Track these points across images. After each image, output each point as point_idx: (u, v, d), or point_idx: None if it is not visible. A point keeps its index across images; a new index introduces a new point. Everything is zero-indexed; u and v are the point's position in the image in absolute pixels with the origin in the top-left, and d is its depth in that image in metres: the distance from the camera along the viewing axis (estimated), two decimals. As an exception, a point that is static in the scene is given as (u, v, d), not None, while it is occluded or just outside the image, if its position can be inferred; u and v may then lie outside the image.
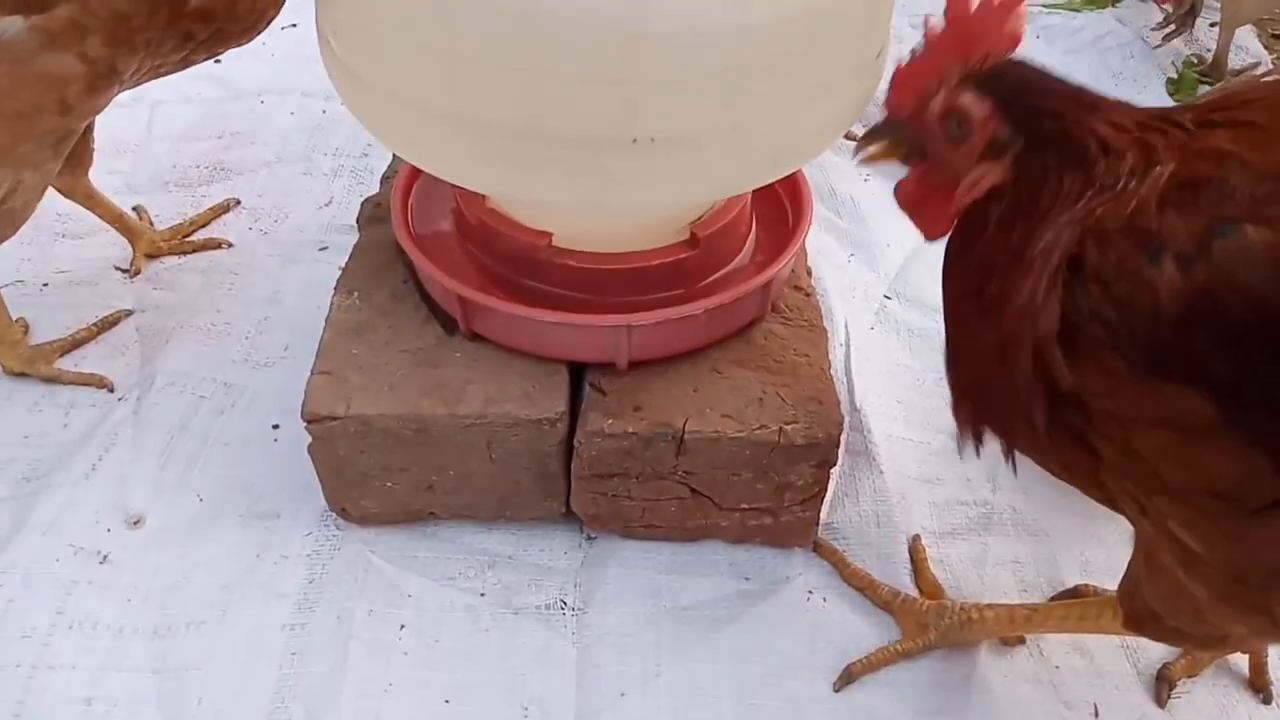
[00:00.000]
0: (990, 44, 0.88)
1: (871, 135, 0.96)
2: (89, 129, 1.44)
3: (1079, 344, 0.81)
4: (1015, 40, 0.89)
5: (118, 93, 1.31)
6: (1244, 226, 0.73)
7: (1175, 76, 2.23)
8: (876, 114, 2.14)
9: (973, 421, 0.94)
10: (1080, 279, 0.80)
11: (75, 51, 1.17)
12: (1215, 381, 0.76)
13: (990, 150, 0.88)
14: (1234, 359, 0.75)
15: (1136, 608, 0.96)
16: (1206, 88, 2.20)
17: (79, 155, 1.47)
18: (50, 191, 1.50)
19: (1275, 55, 2.37)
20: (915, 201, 0.96)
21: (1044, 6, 2.45)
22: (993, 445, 0.94)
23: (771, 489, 1.18)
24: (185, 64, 1.34)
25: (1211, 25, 2.40)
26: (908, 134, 0.93)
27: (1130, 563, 0.96)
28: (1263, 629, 0.90)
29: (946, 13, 0.89)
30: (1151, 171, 0.80)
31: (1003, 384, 0.87)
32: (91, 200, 1.57)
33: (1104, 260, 0.79)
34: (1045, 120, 0.85)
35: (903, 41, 2.39)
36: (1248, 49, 2.31)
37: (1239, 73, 2.24)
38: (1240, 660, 1.18)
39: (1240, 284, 0.73)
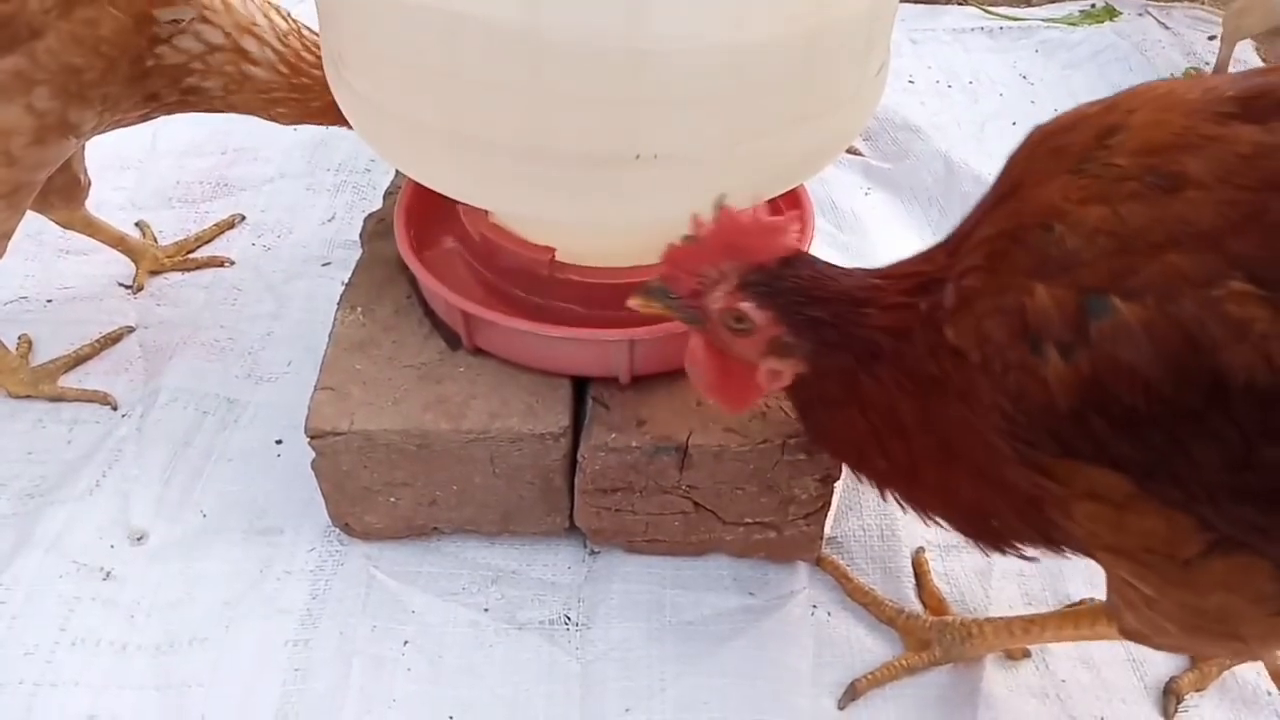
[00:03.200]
0: (761, 257, 0.91)
1: (648, 294, 0.97)
2: (70, 165, 1.42)
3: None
4: (785, 253, 0.91)
5: (76, 144, 1.29)
6: (1115, 303, 0.72)
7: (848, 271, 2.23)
8: (877, 128, 2.13)
9: (983, 538, 0.96)
10: (969, 370, 0.80)
11: (21, 103, 1.16)
12: (1121, 461, 0.76)
13: (775, 349, 0.91)
14: (1133, 439, 0.74)
15: (1127, 628, 0.96)
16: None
17: (70, 190, 1.47)
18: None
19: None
20: (715, 383, 0.99)
21: (1043, 21, 2.46)
22: None
23: (775, 503, 1.18)
24: (144, 119, 1.33)
25: (1210, 38, 2.41)
26: (685, 309, 0.95)
27: (1108, 593, 0.97)
28: (1240, 652, 0.91)
29: (717, 223, 0.91)
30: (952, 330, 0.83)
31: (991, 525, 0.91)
32: (91, 227, 1.57)
33: (986, 353, 0.79)
34: (825, 329, 0.90)
35: (902, 56, 2.37)
36: (1245, 61, 2.32)
37: (1238, 85, 2.24)
38: (1247, 673, 1.17)
39: (1126, 368, 0.72)
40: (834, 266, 0.93)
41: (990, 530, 0.93)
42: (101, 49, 1.17)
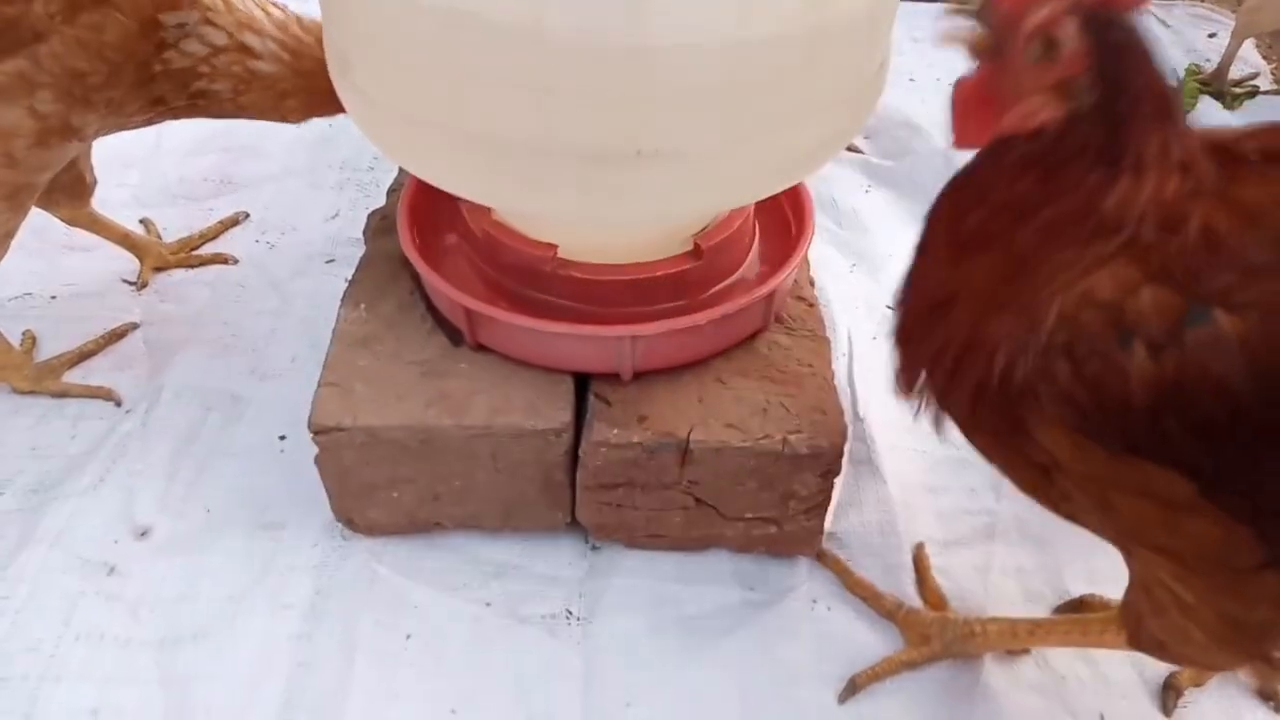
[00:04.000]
0: None
1: (961, 13, 0.88)
2: (76, 164, 1.42)
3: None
4: (1132, 6, 0.81)
5: (80, 147, 1.28)
6: (1216, 315, 0.70)
7: (1175, 84, 2.24)
8: (878, 126, 2.13)
9: (910, 366, 0.91)
10: (1049, 351, 0.77)
11: (23, 105, 1.15)
12: (1190, 466, 0.75)
13: (1058, 88, 0.81)
14: (1207, 448, 0.73)
15: (1142, 637, 0.96)
16: (1208, 97, 2.21)
17: (76, 188, 1.47)
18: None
19: (1275, 65, 2.38)
20: (967, 105, 0.90)
21: (1044, 18, 2.46)
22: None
23: (776, 498, 1.18)
24: (150, 123, 1.33)
25: (1210, 36, 2.41)
26: (994, 28, 0.85)
27: (1130, 593, 0.96)
28: (1264, 674, 0.90)
29: None
30: (1172, 222, 0.76)
31: (948, 342, 0.84)
32: (96, 224, 1.58)
33: (1074, 336, 0.76)
34: (1122, 99, 0.79)
35: (903, 54, 2.38)
36: (1246, 59, 2.32)
37: (1238, 83, 2.25)
38: (1246, 669, 1.18)
39: (1213, 377, 0.71)
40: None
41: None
42: (106, 54, 1.17)
